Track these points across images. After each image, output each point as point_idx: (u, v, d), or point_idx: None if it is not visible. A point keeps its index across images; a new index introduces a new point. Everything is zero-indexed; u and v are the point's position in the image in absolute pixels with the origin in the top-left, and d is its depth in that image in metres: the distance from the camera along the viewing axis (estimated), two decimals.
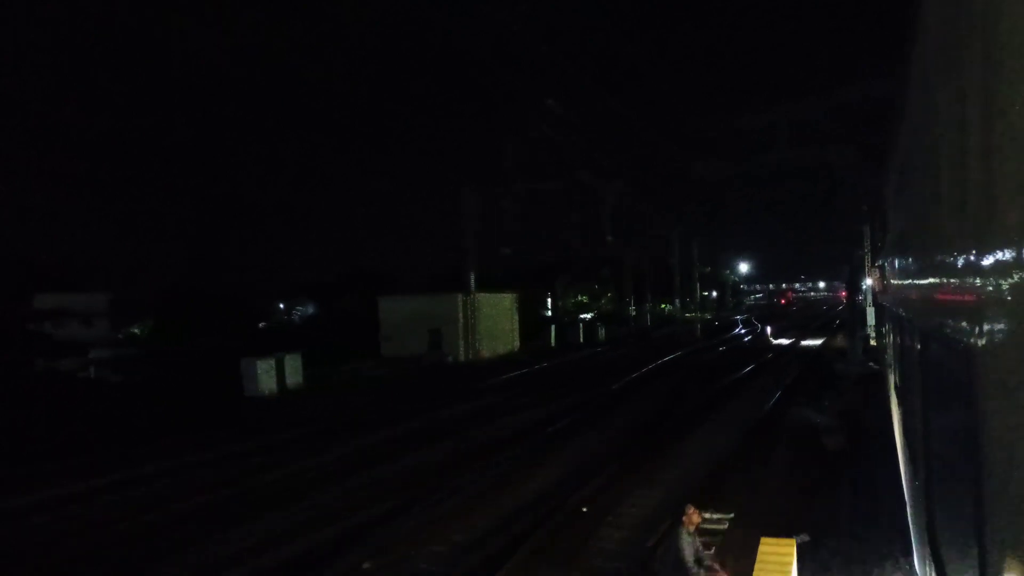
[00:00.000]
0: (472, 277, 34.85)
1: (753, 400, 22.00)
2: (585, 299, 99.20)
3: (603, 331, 53.16)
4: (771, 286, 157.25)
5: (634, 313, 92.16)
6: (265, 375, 25.38)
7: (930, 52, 3.58)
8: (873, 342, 44.75)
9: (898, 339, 8.87)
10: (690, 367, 32.63)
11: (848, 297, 31.40)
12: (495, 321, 39.24)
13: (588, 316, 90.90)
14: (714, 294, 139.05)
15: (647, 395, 23.81)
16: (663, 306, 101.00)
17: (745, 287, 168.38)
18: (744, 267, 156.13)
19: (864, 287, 54.03)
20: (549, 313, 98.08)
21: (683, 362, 35.27)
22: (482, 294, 38.26)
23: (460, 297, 36.03)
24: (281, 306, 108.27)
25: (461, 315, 35.92)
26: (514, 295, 41.65)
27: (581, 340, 50.07)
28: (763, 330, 60.58)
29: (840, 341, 44.47)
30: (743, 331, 61.94)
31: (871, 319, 50.78)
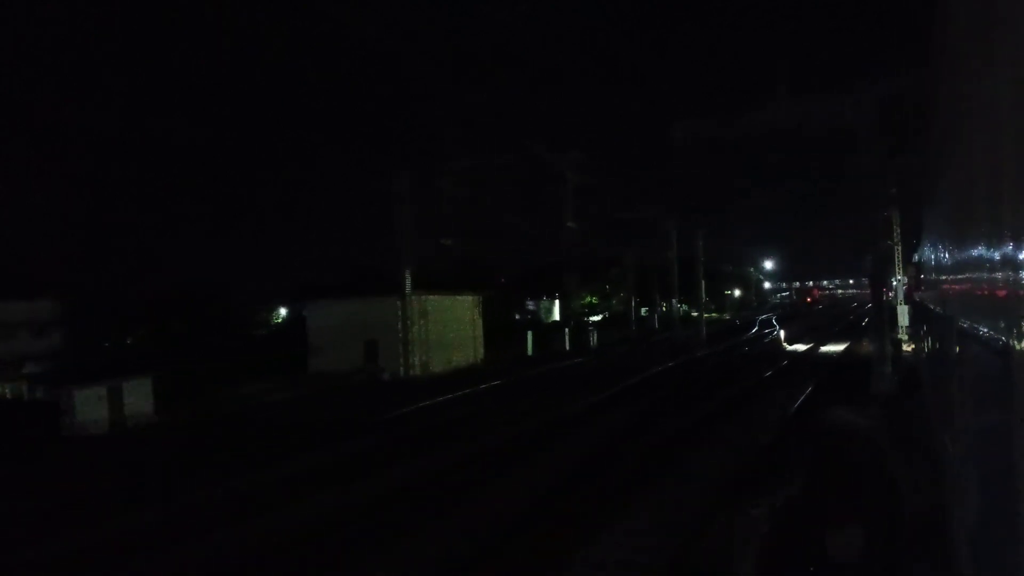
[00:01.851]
0: (408, 276, 27.92)
1: (733, 446, 14.75)
2: (595, 300, 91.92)
3: (595, 336, 45.90)
4: (797, 284, 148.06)
5: (645, 314, 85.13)
6: (89, 407, 18.74)
7: (964, 40, 3.43)
8: (907, 347, 36.92)
9: (939, 342, 8.17)
10: (674, 385, 25.30)
11: (874, 293, 23.73)
12: (451, 328, 32.28)
13: (596, 318, 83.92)
14: (737, 293, 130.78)
15: (594, 433, 16.62)
16: (678, 306, 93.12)
17: (771, 285, 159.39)
18: (769, 265, 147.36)
19: (895, 282, 46.03)
20: (557, 317, 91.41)
21: (669, 377, 27.95)
22: (433, 296, 31.30)
23: (399, 300, 29.10)
24: (283, 311, 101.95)
25: (400, 322, 29.01)
26: (477, 297, 34.60)
27: (567, 347, 42.86)
28: (781, 331, 52.89)
29: (866, 346, 36.85)
30: (757, 334, 54.17)
31: (904, 319, 42.74)
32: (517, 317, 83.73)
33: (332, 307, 30.49)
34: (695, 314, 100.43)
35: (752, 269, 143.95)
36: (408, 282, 27.56)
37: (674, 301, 52.10)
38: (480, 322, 34.41)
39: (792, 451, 14.28)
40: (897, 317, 41.13)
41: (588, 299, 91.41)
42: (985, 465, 3.21)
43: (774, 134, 24.06)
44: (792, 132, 24.43)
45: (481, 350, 34.51)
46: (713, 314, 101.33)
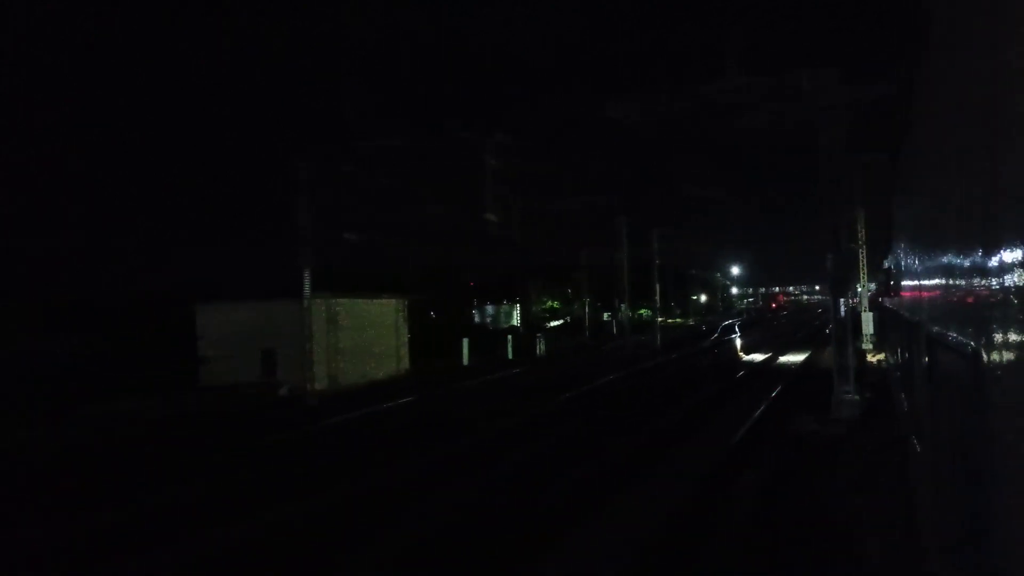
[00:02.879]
0: (308, 275, 23.99)
1: (648, 502, 11.12)
2: (556, 305, 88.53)
3: (543, 343, 42.19)
4: (763, 290, 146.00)
5: (608, 319, 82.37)
6: None
7: (941, 44, 3.44)
8: (874, 357, 33.68)
9: (907, 351, 8.08)
10: (610, 402, 21.75)
11: (834, 301, 20.25)
12: (368, 335, 28.35)
13: (557, 323, 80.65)
14: (703, 298, 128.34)
15: (475, 484, 12.93)
16: (641, 312, 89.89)
17: (738, 291, 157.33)
18: (736, 270, 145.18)
19: (859, 288, 42.95)
20: (516, 322, 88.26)
21: (603, 394, 24.33)
22: (345, 300, 27.37)
23: (300, 304, 25.10)
24: None
25: (305, 328, 25.02)
26: (401, 300, 30.67)
27: (510, 356, 39.13)
28: (741, 338, 49.81)
29: (828, 357, 33.66)
30: (717, 340, 50.90)
31: (869, 327, 39.56)
32: (477, 321, 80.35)
33: (226, 311, 26.40)
34: (658, 319, 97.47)
35: (719, 274, 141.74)
36: (308, 283, 23.63)
37: (623, 306, 48.58)
38: (405, 328, 30.49)
39: (728, 507, 10.70)
40: (861, 325, 37.96)
41: (549, 303, 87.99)
42: (955, 474, 3.11)
43: (725, 114, 20.58)
44: (744, 110, 20.99)
45: (406, 360, 30.58)
46: (678, 319, 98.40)
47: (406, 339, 30.61)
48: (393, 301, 30.08)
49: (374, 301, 29.13)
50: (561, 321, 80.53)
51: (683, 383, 25.85)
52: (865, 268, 39.27)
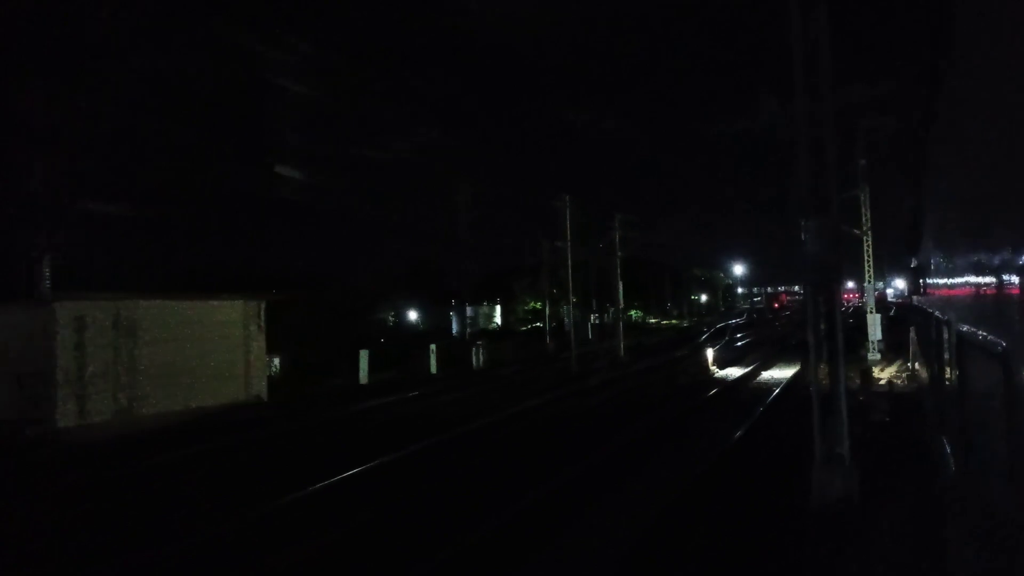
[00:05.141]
0: (46, 270, 16.09)
1: None
2: (539, 305, 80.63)
3: (481, 355, 34.01)
4: (768, 289, 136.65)
5: (595, 321, 74.77)
6: None
7: (970, 37, 3.29)
8: (883, 372, 25.28)
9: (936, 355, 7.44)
10: (481, 459, 13.65)
11: (811, 292, 11.46)
12: (193, 350, 20.43)
13: (534, 326, 73.15)
14: (703, 298, 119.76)
15: None
16: (631, 313, 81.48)
17: (744, 290, 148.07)
18: (740, 269, 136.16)
19: (865, 283, 34.36)
20: (498, 322, 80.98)
21: (500, 434, 16.26)
22: (149, 302, 19.48)
23: (76, 307, 17.17)
24: None
25: (64, 347, 17.19)
26: (256, 303, 22.53)
27: (433, 370, 31.02)
28: (727, 344, 41.57)
29: (825, 370, 25.07)
30: (700, 345, 42.44)
31: (876, 332, 30.99)
32: (455, 326, 73.52)
33: None
34: (652, 320, 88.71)
35: (722, 274, 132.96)
36: (47, 275, 15.73)
37: (566, 308, 40.38)
38: (261, 339, 22.44)
39: None
40: (867, 330, 29.47)
41: (532, 304, 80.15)
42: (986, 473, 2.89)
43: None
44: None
45: (260, 382, 22.50)
46: (674, 320, 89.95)
47: (262, 355, 22.53)
48: (239, 304, 21.96)
49: (206, 303, 21.07)
50: (540, 324, 72.88)
51: (619, 415, 17.76)
52: (871, 259, 30.72)
